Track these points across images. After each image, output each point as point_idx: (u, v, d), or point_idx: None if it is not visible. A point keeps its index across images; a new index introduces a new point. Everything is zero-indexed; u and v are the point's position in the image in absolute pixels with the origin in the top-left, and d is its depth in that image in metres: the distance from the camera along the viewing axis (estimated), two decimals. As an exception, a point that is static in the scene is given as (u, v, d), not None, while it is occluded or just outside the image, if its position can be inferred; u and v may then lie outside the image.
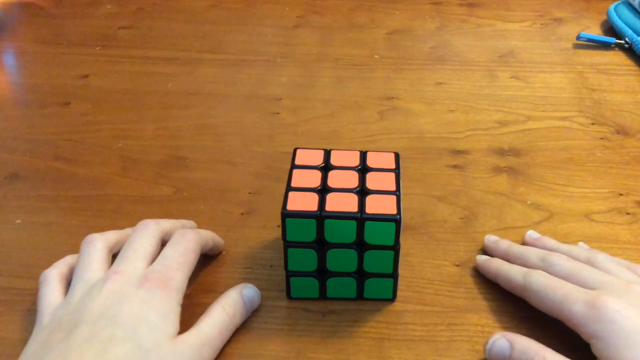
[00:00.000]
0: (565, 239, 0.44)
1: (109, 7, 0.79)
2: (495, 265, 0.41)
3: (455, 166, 0.52)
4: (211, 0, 0.80)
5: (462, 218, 0.47)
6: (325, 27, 0.74)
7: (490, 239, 0.44)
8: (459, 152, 0.54)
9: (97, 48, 0.70)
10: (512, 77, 0.64)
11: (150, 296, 0.35)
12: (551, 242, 0.43)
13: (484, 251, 0.44)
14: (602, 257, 0.39)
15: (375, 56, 0.68)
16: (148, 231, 0.39)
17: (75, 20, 0.76)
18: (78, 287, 0.37)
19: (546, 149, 0.54)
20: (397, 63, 0.67)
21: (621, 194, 0.49)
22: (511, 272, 0.40)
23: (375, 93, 0.62)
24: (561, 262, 0.39)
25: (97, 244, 0.39)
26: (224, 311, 0.37)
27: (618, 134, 0.56)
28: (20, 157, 0.53)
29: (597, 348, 0.33)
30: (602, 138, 0.55)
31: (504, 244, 0.43)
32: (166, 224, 0.41)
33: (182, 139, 0.56)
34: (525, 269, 0.39)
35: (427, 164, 0.52)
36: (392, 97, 0.61)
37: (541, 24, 0.75)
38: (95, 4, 0.79)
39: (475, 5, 0.79)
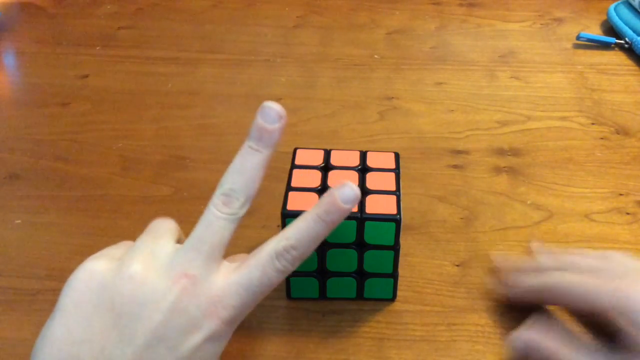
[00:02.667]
0: (565, 239, 0.44)
1: (109, 7, 0.79)
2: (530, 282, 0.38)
3: (455, 166, 0.52)
4: (211, 0, 0.80)
5: (462, 218, 0.47)
6: (325, 27, 0.74)
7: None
8: (459, 152, 0.54)
9: (97, 48, 0.70)
10: (512, 77, 0.64)
11: (213, 330, 0.30)
12: (559, 250, 0.42)
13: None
14: (617, 255, 0.38)
15: (375, 56, 0.68)
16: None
17: (75, 20, 0.76)
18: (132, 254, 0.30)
19: (546, 149, 0.54)
20: (397, 63, 0.67)
21: (621, 194, 0.49)
22: (532, 280, 0.38)
23: (375, 93, 0.62)
24: (577, 260, 0.38)
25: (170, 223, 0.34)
26: None
27: (618, 134, 0.56)
28: (20, 157, 0.53)
29: (626, 338, 0.32)
30: (602, 138, 0.55)
31: (519, 267, 0.40)
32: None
33: (182, 139, 0.56)
34: (542, 273, 0.38)
35: (427, 164, 0.52)
36: (392, 97, 0.61)
37: (541, 24, 0.75)
38: (95, 4, 0.79)
39: (475, 5, 0.79)
